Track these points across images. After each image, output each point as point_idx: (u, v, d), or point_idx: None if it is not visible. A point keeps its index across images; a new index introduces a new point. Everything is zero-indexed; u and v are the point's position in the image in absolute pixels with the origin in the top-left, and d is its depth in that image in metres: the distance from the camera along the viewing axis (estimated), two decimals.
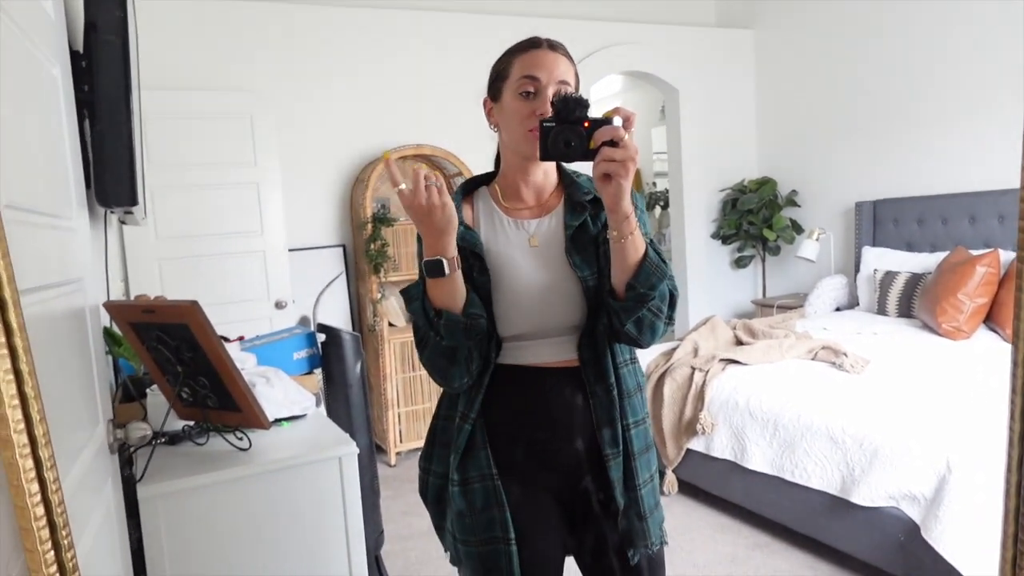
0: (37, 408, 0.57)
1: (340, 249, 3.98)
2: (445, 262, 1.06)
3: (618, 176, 1.01)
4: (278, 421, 1.70)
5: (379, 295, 3.76)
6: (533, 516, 1.21)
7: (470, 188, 1.27)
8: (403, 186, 1.05)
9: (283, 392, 1.76)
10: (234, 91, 3.57)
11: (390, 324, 3.84)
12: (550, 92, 1.13)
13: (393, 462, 3.71)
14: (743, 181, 4.90)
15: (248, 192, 3.58)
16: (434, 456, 1.29)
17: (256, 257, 3.63)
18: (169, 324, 1.40)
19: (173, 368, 1.49)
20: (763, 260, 4.89)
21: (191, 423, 1.59)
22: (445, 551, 1.33)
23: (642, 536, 1.19)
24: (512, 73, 1.17)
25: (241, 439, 1.52)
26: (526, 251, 1.19)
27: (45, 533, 0.56)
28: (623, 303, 1.10)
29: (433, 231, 1.05)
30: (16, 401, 0.54)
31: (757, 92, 4.99)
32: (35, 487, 0.55)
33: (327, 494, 1.55)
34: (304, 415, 1.78)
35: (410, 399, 3.79)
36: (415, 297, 1.14)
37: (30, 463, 0.55)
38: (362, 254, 3.78)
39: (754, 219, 4.69)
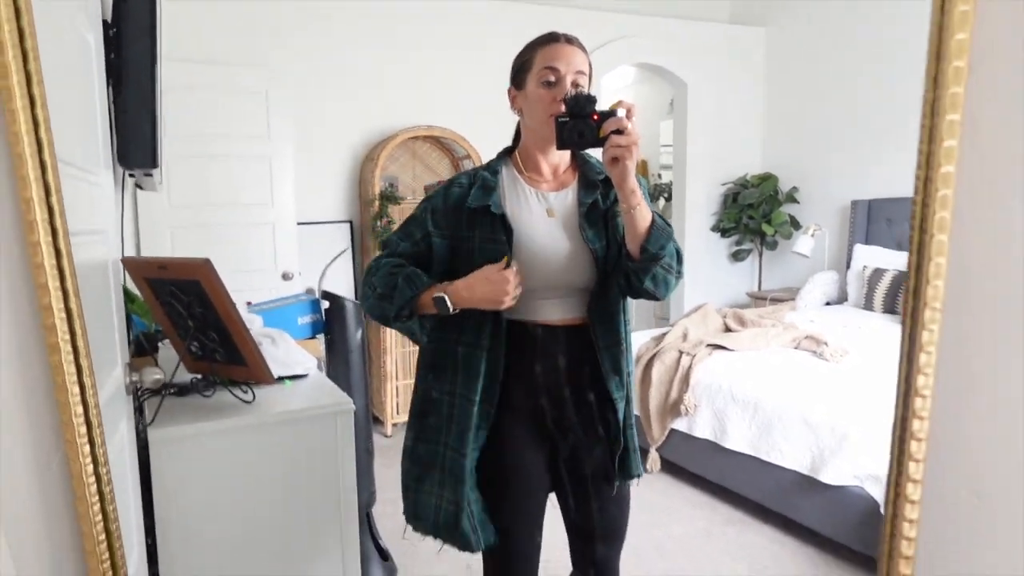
0: (79, 324, 0.68)
1: (347, 225, 4.09)
2: (451, 309, 1.26)
3: (624, 158, 1.18)
4: (281, 379, 1.82)
5: None
6: (530, 445, 1.38)
7: (502, 156, 1.43)
8: (512, 268, 1.25)
9: (286, 352, 1.88)
10: (251, 66, 3.67)
11: None
12: (568, 81, 1.28)
13: (389, 432, 3.84)
14: (745, 176, 4.99)
15: (261, 165, 3.69)
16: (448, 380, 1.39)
17: (266, 229, 3.74)
18: (182, 280, 1.51)
19: (184, 322, 1.61)
20: (760, 254, 4.98)
21: (199, 376, 1.71)
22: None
23: (636, 465, 1.41)
24: (535, 64, 1.31)
25: (246, 392, 1.64)
26: (544, 219, 1.35)
27: (83, 429, 0.68)
28: (639, 264, 1.26)
29: (485, 302, 1.25)
30: (63, 315, 0.65)
31: (766, 89, 5.06)
32: (76, 389, 0.67)
33: (324, 447, 1.66)
34: (306, 375, 1.89)
35: (408, 372, 3.92)
36: (391, 311, 1.32)
37: (73, 368, 0.66)
38: (368, 230, 3.89)
39: (754, 213, 4.78)
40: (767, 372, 2.71)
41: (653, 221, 1.25)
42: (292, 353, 1.90)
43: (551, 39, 1.32)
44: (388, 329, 3.82)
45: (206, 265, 1.44)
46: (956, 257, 0.63)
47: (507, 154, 1.43)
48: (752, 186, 4.83)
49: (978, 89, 0.57)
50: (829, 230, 4.47)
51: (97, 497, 0.65)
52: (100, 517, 0.66)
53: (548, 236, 1.33)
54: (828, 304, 4.14)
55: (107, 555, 0.67)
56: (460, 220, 1.34)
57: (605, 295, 1.34)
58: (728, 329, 3.25)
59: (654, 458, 3.09)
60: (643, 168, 6.34)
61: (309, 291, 3.46)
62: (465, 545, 1.35)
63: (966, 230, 0.64)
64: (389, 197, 3.83)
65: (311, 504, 1.67)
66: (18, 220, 0.64)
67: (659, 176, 6.51)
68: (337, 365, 2.17)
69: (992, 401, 0.67)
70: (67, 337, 0.65)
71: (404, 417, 3.87)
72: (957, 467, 0.68)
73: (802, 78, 4.76)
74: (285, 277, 3.78)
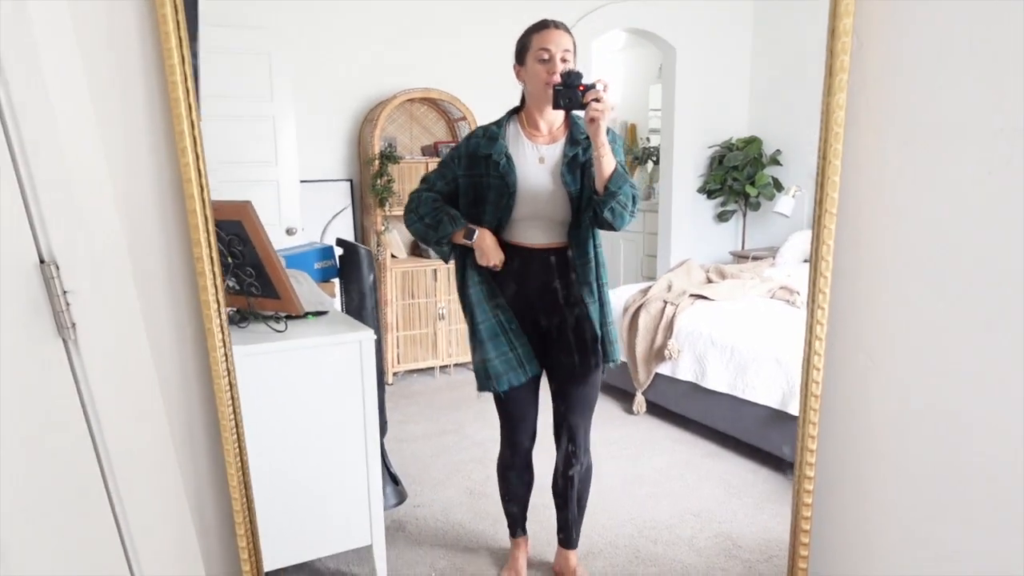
0: (213, 239, 0.88)
1: (348, 183, 4.25)
2: (472, 243, 1.79)
3: (598, 118, 1.60)
4: (306, 314, 2.02)
5: (383, 227, 4.05)
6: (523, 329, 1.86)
7: (511, 115, 1.86)
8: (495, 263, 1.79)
9: (310, 291, 2.08)
10: (254, 28, 3.79)
11: (392, 255, 4.14)
12: (558, 57, 1.69)
13: (391, 381, 4.06)
14: (731, 139, 5.17)
15: (264, 125, 3.83)
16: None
17: (270, 186, 3.90)
18: (224, 220, 1.70)
19: (224, 259, 1.79)
20: (744, 215, 5.19)
21: (234, 309, 1.90)
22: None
23: (611, 354, 1.87)
24: (532, 46, 1.73)
25: (279, 323, 1.84)
26: (536, 165, 1.78)
27: (215, 305, 0.88)
28: (602, 199, 1.67)
29: (481, 255, 1.79)
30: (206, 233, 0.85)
31: (752, 54, 5.22)
32: (210, 275, 0.87)
33: (350, 372, 1.87)
34: (327, 312, 2.09)
35: (409, 324, 4.13)
36: (433, 238, 1.83)
37: (210, 264, 0.86)
38: (368, 188, 4.06)
39: (738, 175, 4.98)
40: (744, 318, 2.94)
41: (616, 168, 1.66)
42: (315, 292, 2.10)
43: (543, 26, 1.73)
44: (389, 282, 4.01)
45: (247, 206, 1.63)
46: (845, 180, 0.84)
47: (515, 113, 1.86)
48: (737, 149, 5.02)
49: (860, 56, 0.77)
50: (809, 192, 4.68)
51: (223, 350, 0.86)
52: (226, 368, 0.86)
53: (536, 178, 1.77)
54: (805, 261, 4.37)
55: (230, 399, 0.87)
56: (477, 163, 1.79)
57: (578, 225, 1.78)
58: (709, 281, 3.48)
59: (640, 401, 3.33)
60: (632, 132, 6.50)
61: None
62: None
63: (853, 166, 0.84)
64: (389, 157, 3.98)
65: (340, 424, 1.88)
66: (175, 164, 0.84)
67: (647, 140, 6.68)
68: (352, 306, 2.36)
69: (875, 286, 0.89)
70: (207, 241, 0.84)
71: (404, 366, 4.09)
72: (853, 335, 0.90)
73: (787, 44, 4.92)
74: (289, 232, 3.95)
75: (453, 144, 4.30)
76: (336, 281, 2.49)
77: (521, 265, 1.82)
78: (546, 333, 1.87)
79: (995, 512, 0.96)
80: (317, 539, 1.94)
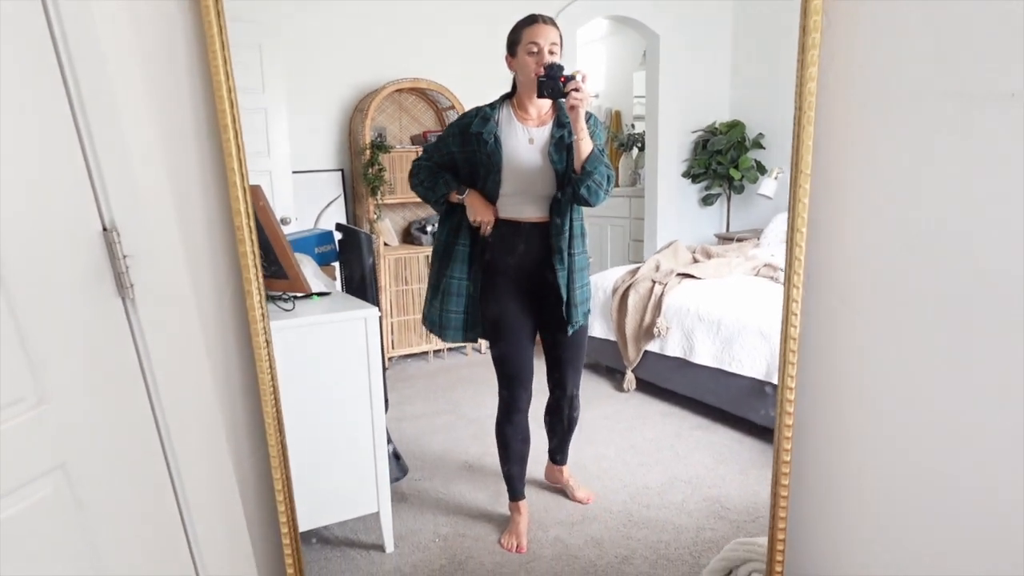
0: (250, 221, 0.97)
1: (339, 173, 4.32)
2: (463, 201, 2.02)
3: (578, 106, 1.80)
4: (311, 295, 2.11)
5: (375, 216, 4.13)
6: (516, 297, 2.08)
7: (504, 99, 2.04)
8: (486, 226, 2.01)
9: (314, 273, 2.17)
10: (245, 22, 3.84)
11: (385, 243, 4.22)
12: (546, 50, 1.87)
13: (387, 365, 4.15)
14: (714, 123, 5.28)
15: (257, 116, 3.89)
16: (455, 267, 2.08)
17: (263, 176, 3.96)
18: None
19: None
20: (728, 198, 5.31)
21: None
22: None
23: (575, 317, 2.06)
24: (522, 40, 1.91)
25: (288, 302, 1.93)
26: (526, 145, 1.97)
27: (253, 271, 0.97)
28: (579, 177, 1.89)
29: (471, 212, 2.01)
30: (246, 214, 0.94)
31: (734, 38, 5.33)
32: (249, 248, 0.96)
33: (356, 347, 1.96)
34: (329, 293, 2.18)
35: (402, 310, 4.21)
36: (432, 198, 2.07)
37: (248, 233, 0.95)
38: (360, 178, 4.13)
39: (722, 159, 5.09)
40: (730, 295, 3.06)
41: (592, 151, 1.87)
42: (319, 274, 2.19)
43: (533, 21, 1.91)
44: (383, 269, 4.10)
45: (257, 190, 1.71)
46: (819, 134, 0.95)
47: (508, 97, 2.04)
48: (721, 133, 5.14)
49: (829, 31, 0.88)
50: (791, 173, 4.80)
51: (260, 310, 0.95)
52: (263, 328, 0.96)
53: (525, 156, 1.97)
54: None
55: (267, 358, 0.97)
56: (469, 140, 1.98)
57: (560, 201, 1.97)
58: (696, 261, 3.59)
59: (630, 378, 3.45)
60: (617, 118, 6.60)
61: None
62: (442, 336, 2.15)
63: (825, 129, 0.95)
64: (379, 146, 4.06)
65: (347, 397, 1.98)
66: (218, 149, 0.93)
67: (632, 126, 6.78)
68: (352, 288, 2.45)
69: (843, 230, 1.00)
70: (246, 211, 0.94)
71: (400, 351, 4.18)
72: (828, 284, 1.01)
73: (767, 29, 5.03)
74: (283, 222, 4.01)
75: (442, 133, 4.39)
76: (336, 265, 2.58)
77: (510, 236, 2.02)
78: (534, 296, 2.09)
79: (968, 469, 1.07)
80: (326, 507, 2.03)
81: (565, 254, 2.00)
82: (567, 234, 1.99)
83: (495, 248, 2.03)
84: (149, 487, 0.97)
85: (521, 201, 2.00)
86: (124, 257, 0.87)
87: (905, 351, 1.09)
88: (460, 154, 2.01)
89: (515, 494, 2.24)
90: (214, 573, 1.06)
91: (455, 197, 2.02)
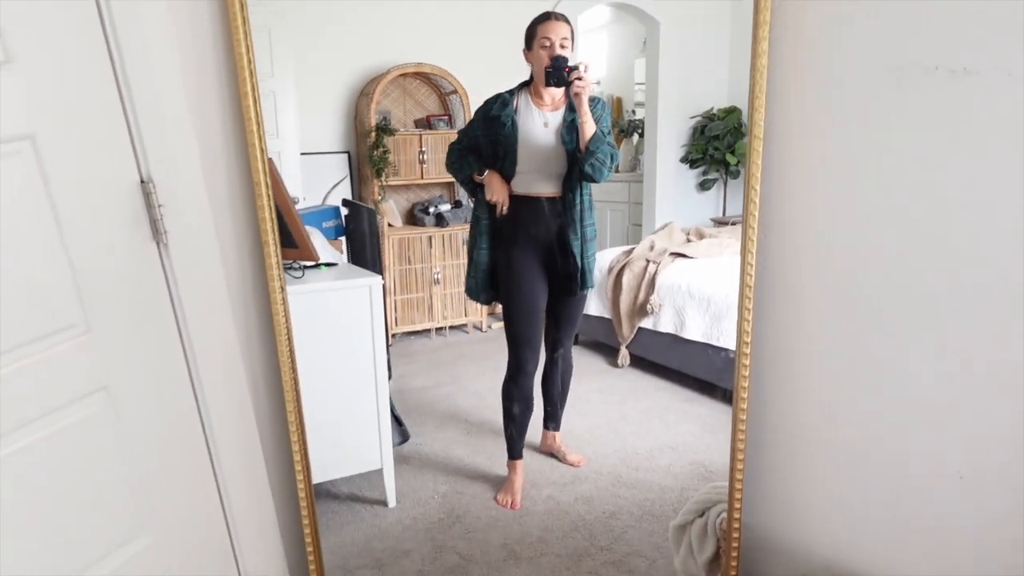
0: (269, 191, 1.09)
1: (345, 155, 4.44)
2: (482, 179, 2.24)
3: (581, 92, 2.05)
4: (319, 264, 2.24)
5: (380, 197, 4.25)
6: (530, 266, 2.28)
7: (521, 87, 2.25)
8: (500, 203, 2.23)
9: (322, 244, 2.29)
10: (254, 5, 3.95)
11: (389, 224, 4.35)
12: (558, 45, 2.09)
13: (390, 342, 4.28)
14: (712, 109, 5.38)
15: (266, 100, 3.98)
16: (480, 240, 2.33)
17: (273, 157, 4.08)
18: None
19: None
20: (724, 183, 5.42)
21: None
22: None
23: (588, 282, 2.31)
24: (537, 35, 2.13)
25: (297, 270, 2.05)
26: (541, 128, 2.20)
27: (271, 235, 1.10)
28: (584, 156, 2.11)
29: (488, 192, 2.22)
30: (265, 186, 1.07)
31: (732, 24, 5.42)
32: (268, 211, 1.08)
33: (361, 313, 2.09)
34: (337, 263, 2.31)
35: (406, 288, 4.34)
36: (459, 177, 2.31)
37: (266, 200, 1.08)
38: (365, 160, 4.25)
39: (719, 145, 5.20)
40: (720, 273, 3.17)
41: (596, 132, 2.09)
42: (326, 246, 2.31)
43: (546, 18, 2.14)
44: (386, 249, 4.22)
45: (270, 162, 1.83)
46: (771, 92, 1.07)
47: (525, 86, 2.25)
48: (718, 119, 5.24)
49: (780, 10, 0.99)
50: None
51: (276, 257, 1.08)
52: (278, 274, 1.08)
53: (541, 137, 2.18)
54: None
55: (282, 302, 1.10)
56: (491, 124, 2.19)
57: (571, 177, 2.20)
58: (689, 241, 3.71)
59: (624, 354, 3.57)
60: (618, 105, 6.70)
61: None
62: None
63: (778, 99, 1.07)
64: (384, 129, 4.18)
65: (353, 359, 2.11)
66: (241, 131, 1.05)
67: (633, 112, 6.88)
68: (357, 260, 2.58)
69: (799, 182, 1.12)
70: (262, 168, 1.06)
71: (403, 328, 4.32)
72: (779, 236, 1.13)
73: None
74: (292, 202, 4.15)
75: (445, 117, 4.50)
76: (343, 240, 2.70)
77: (526, 210, 2.24)
78: (547, 265, 2.30)
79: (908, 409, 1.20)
80: (334, 463, 2.17)
81: (578, 225, 2.23)
82: (579, 207, 2.23)
83: (513, 221, 2.24)
84: (178, 410, 1.11)
85: (536, 178, 2.21)
86: (159, 206, 1.00)
87: (849, 311, 1.22)
88: (484, 137, 2.22)
89: (513, 452, 2.39)
90: (231, 483, 1.20)
91: (477, 177, 2.23)
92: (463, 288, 4.41)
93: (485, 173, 2.21)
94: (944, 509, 1.17)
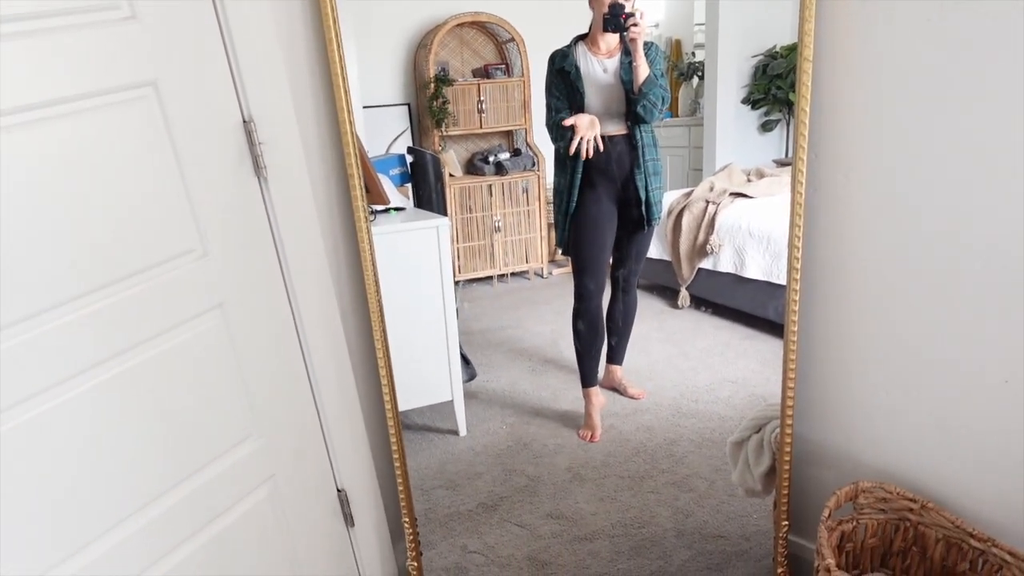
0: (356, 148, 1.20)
1: (406, 107, 4.55)
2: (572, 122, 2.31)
3: (636, 37, 2.21)
4: (388, 209, 2.36)
5: (440, 147, 4.35)
6: (597, 199, 2.43)
7: (577, 40, 2.41)
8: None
9: (390, 190, 2.42)
10: None
11: (450, 175, 4.46)
12: None
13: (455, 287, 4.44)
14: (775, 47, 5.24)
15: None
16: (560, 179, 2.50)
17: None
18: None
19: None
20: (787, 123, 5.30)
21: None
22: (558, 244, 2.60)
23: (656, 214, 2.47)
24: None
25: (370, 213, 2.18)
26: (601, 72, 2.36)
27: (356, 179, 1.21)
28: (637, 97, 2.29)
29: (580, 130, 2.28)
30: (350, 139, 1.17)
31: None
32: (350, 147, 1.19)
33: (430, 252, 2.22)
34: (404, 208, 2.43)
35: (467, 237, 4.47)
36: (554, 133, 2.41)
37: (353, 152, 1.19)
38: (425, 111, 4.35)
39: (782, 83, 5.07)
40: (780, 210, 3.17)
41: (649, 75, 2.26)
42: (394, 192, 2.44)
43: None
44: (449, 199, 4.34)
45: None
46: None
47: (581, 39, 2.41)
48: (781, 56, 5.10)
49: None
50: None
51: (362, 204, 1.20)
52: (362, 205, 1.20)
53: (603, 80, 2.36)
54: None
55: (366, 230, 1.22)
56: (559, 75, 2.38)
57: (633, 116, 2.35)
58: (749, 181, 3.70)
59: (684, 295, 3.62)
60: (677, 47, 6.58)
61: None
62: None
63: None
64: (443, 80, 4.25)
65: (423, 296, 2.24)
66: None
67: (692, 55, 6.74)
68: (423, 204, 2.70)
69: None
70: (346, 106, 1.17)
71: (466, 275, 4.46)
72: (833, 159, 1.18)
73: None
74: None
75: (502, 66, 4.54)
76: (408, 186, 2.83)
77: (596, 150, 2.34)
78: (615, 200, 2.46)
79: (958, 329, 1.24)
80: (409, 394, 2.33)
81: (641, 159, 2.40)
82: (640, 143, 2.40)
83: (586, 160, 2.35)
84: (280, 326, 1.26)
85: (603, 119, 2.35)
86: (260, 144, 1.12)
87: (896, 227, 1.26)
88: (557, 89, 2.39)
89: (586, 380, 2.51)
90: (326, 396, 1.35)
91: (566, 122, 2.30)
92: (523, 235, 4.56)
93: (572, 117, 2.30)
94: (988, 413, 1.23)
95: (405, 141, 4.59)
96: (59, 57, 0.91)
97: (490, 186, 4.43)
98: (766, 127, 5.41)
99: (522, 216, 4.52)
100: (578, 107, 2.35)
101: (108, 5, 0.95)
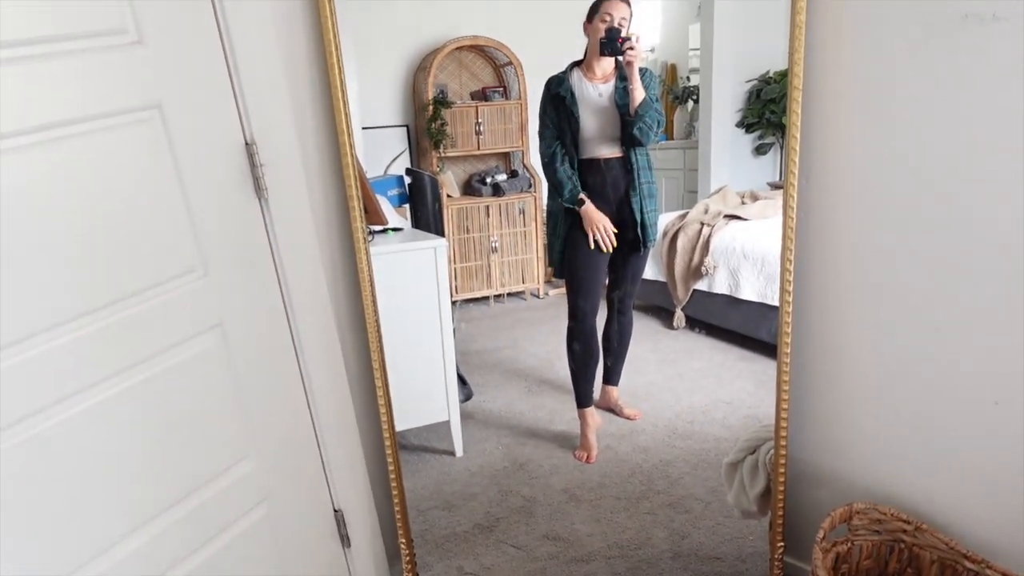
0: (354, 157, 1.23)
1: (404, 128, 4.59)
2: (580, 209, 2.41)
3: (633, 61, 2.26)
4: (386, 229, 2.38)
5: (438, 168, 4.39)
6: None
7: (573, 66, 2.45)
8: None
9: (389, 210, 2.44)
10: None
11: (448, 195, 4.49)
12: (617, 21, 2.27)
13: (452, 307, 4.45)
14: (768, 72, 5.32)
15: None
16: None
17: None
18: None
19: None
20: (781, 147, 5.36)
21: None
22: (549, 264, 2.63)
23: (651, 236, 2.49)
24: (599, 11, 2.31)
25: (368, 233, 2.20)
26: (596, 97, 2.40)
27: (351, 169, 1.23)
28: (633, 120, 2.32)
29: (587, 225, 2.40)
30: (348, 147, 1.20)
31: None
32: (350, 169, 1.22)
33: (427, 273, 2.23)
34: (403, 228, 2.45)
35: (464, 257, 4.49)
36: (567, 200, 2.43)
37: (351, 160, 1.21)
38: (424, 132, 4.39)
39: (775, 108, 5.14)
40: (774, 232, 3.20)
41: (644, 98, 2.29)
42: (392, 212, 2.46)
43: None
44: (446, 219, 4.37)
45: None
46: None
47: (577, 64, 2.45)
48: (774, 82, 5.17)
49: None
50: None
51: (358, 210, 1.21)
52: (360, 226, 1.22)
53: (598, 104, 2.40)
54: None
55: (364, 250, 1.23)
56: (555, 100, 2.41)
57: (628, 139, 2.38)
58: (743, 204, 3.73)
59: (679, 316, 3.64)
60: (672, 71, 6.66)
61: None
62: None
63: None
64: (441, 102, 4.30)
65: (420, 316, 2.25)
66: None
67: (687, 79, 6.82)
68: (421, 225, 2.72)
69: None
70: (346, 129, 1.19)
71: (463, 295, 4.48)
72: (823, 185, 1.20)
73: None
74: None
75: (500, 89, 4.60)
76: (406, 207, 2.85)
77: (592, 171, 2.44)
78: (612, 221, 2.45)
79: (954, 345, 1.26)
80: (405, 414, 2.32)
81: (637, 182, 2.44)
82: (636, 165, 2.44)
83: (581, 182, 2.42)
84: (278, 346, 1.27)
85: (599, 142, 2.41)
86: (261, 166, 1.14)
87: (887, 249, 1.28)
88: (553, 115, 2.42)
89: (581, 400, 2.52)
90: (323, 417, 1.36)
91: (580, 208, 2.39)
92: (520, 256, 4.58)
93: (583, 205, 2.38)
94: (979, 436, 1.24)
95: (403, 162, 4.62)
96: (68, 80, 0.93)
97: (487, 207, 4.46)
98: (760, 150, 5.47)
99: (519, 237, 4.55)
100: (573, 132, 2.38)
101: (116, 30, 0.98)
